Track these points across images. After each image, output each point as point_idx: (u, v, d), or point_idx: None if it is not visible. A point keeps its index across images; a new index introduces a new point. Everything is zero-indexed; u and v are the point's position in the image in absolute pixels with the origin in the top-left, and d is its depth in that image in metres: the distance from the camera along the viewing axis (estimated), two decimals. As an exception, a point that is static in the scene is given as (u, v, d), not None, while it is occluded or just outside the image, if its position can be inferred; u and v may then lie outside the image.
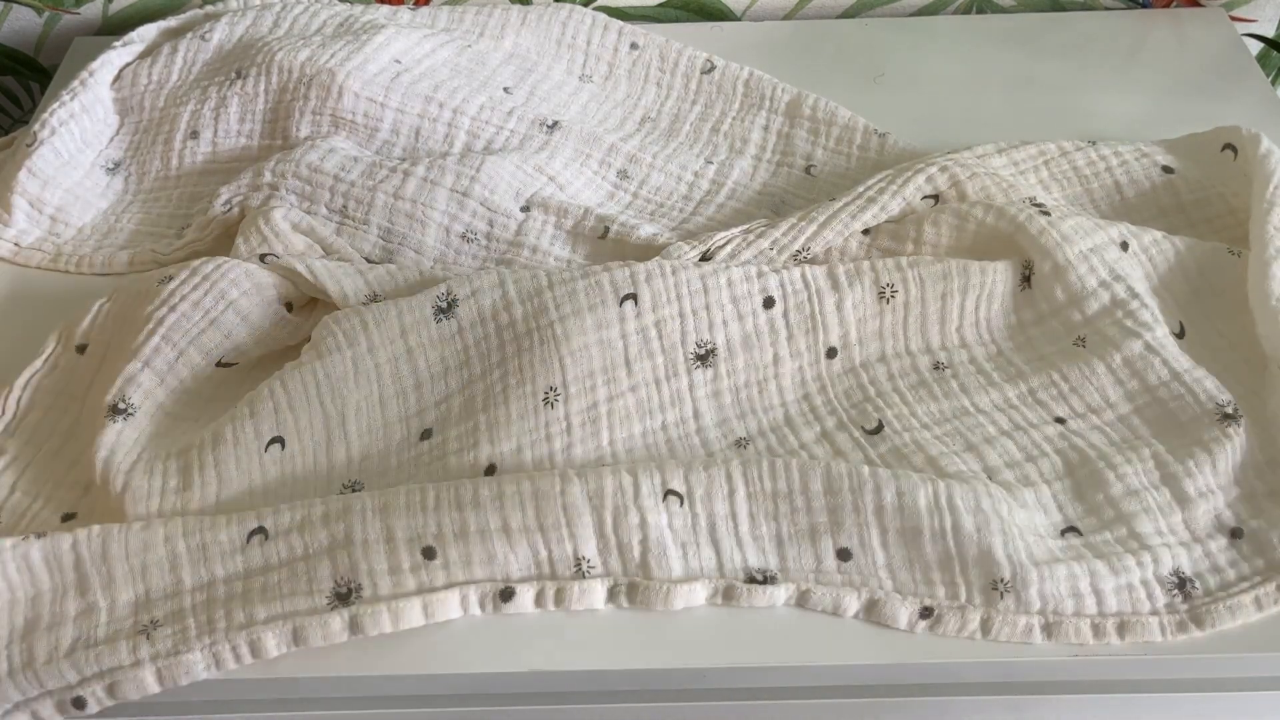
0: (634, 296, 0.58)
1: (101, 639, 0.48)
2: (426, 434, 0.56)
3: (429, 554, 0.50)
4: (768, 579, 0.50)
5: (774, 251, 0.61)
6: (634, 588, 0.50)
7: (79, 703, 0.48)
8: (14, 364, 0.61)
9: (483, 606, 0.50)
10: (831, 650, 0.49)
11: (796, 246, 0.61)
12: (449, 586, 0.50)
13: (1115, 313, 0.58)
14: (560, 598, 0.50)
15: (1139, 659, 0.49)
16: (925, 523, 0.50)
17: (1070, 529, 0.52)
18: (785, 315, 0.59)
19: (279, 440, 0.55)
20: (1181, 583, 0.50)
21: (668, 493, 0.52)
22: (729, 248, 0.61)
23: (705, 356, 0.58)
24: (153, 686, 0.48)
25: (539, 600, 0.50)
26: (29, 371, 0.59)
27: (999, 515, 0.51)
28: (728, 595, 0.50)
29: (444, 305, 0.58)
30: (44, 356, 0.59)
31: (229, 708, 0.52)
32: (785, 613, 0.51)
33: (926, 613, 0.49)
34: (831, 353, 0.59)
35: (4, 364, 0.61)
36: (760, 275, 0.59)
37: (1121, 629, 0.49)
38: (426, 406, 0.57)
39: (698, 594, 0.50)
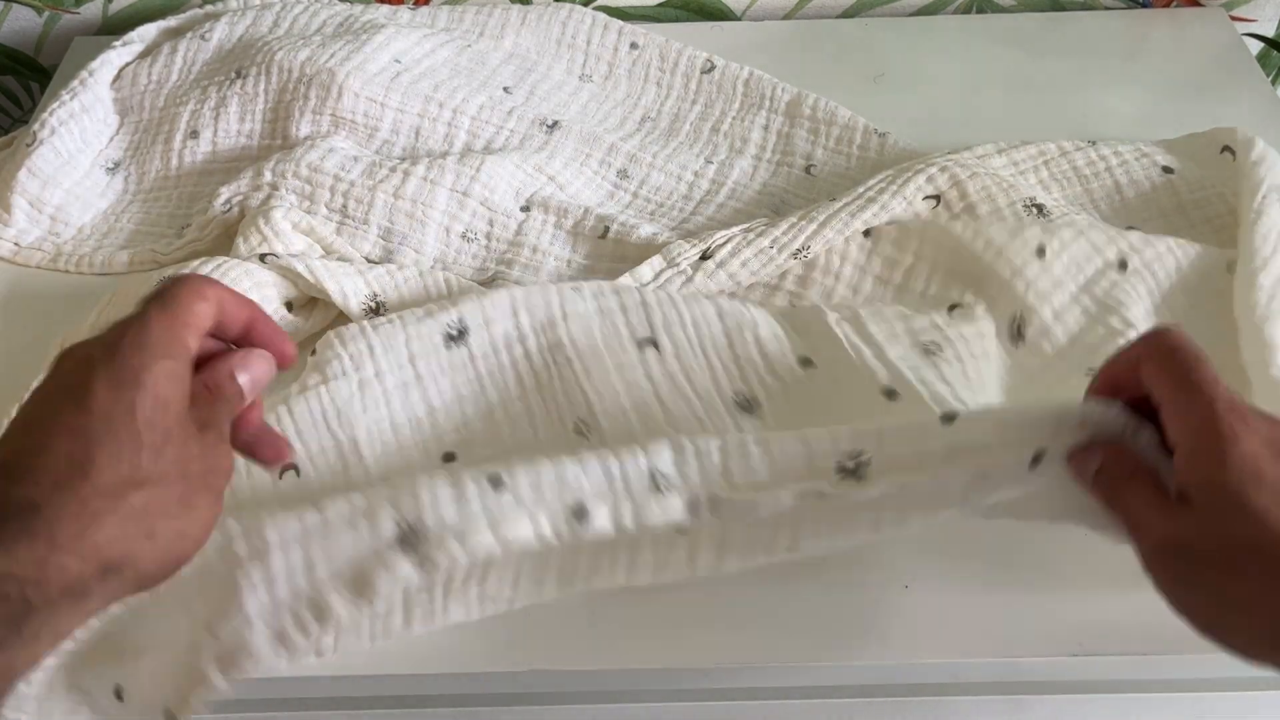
0: (654, 343, 0.56)
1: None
2: (449, 456, 0.55)
3: (495, 482, 0.45)
4: (859, 467, 0.45)
5: (774, 250, 0.61)
6: (715, 500, 0.45)
7: (119, 693, 0.46)
8: (14, 364, 0.61)
9: (556, 532, 0.44)
10: (831, 650, 0.49)
11: (796, 245, 0.61)
12: (518, 508, 0.45)
13: (1112, 343, 0.56)
14: (638, 515, 0.45)
15: (1139, 659, 0.49)
16: None
17: None
18: (827, 368, 0.56)
19: (294, 468, 0.53)
20: None
21: (738, 404, 0.50)
22: (729, 246, 0.61)
23: (748, 405, 0.55)
24: (219, 684, 0.44)
25: (616, 519, 0.45)
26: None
27: None
28: (820, 497, 0.45)
29: (454, 333, 0.56)
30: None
31: (227, 708, 0.52)
32: (785, 613, 0.51)
33: (1037, 459, 0.43)
34: (891, 394, 0.54)
35: (4, 363, 0.61)
36: (788, 335, 0.56)
37: None
38: (443, 432, 0.55)
39: (783, 500, 0.44)
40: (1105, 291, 0.58)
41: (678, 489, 0.45)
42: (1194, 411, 0.38)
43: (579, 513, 0.45)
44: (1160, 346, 0.41)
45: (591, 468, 0.46)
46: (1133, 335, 0.56)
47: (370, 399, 0.55)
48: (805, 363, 0.56)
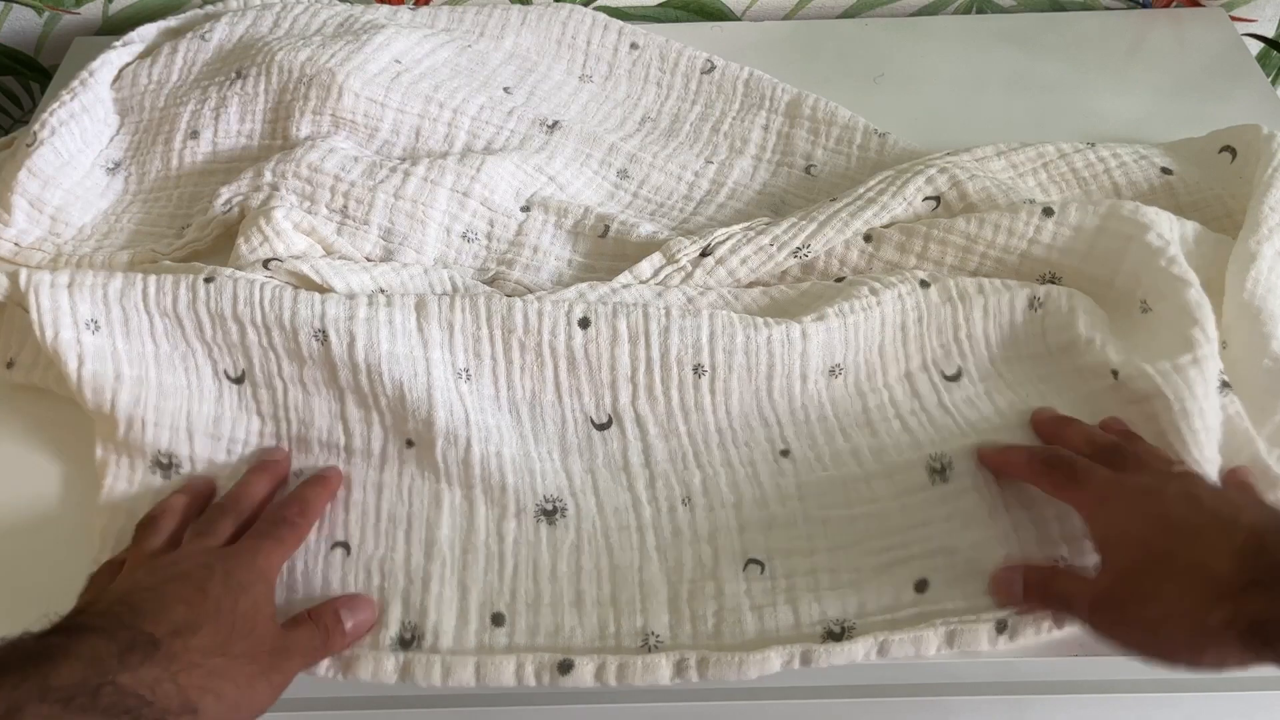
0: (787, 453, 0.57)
1: None
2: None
3: (498, 620, 0.50)
4: (845, 631, 0.49)
5: (774, 248, 0.61)
6: (704, 661, 0.48)
7: None
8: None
9: (539, 678, 0.49)
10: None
11: (797, 244, 0.61)
12: (509, 652, 0.49)
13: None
14: (622, 673, 0.49)
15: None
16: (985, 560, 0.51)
17: None
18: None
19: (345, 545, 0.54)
20: None
21: (748, 562, 0.52)
22: (729, 243, 0.61)
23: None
24: None
25: (599, 675, 0.49)
26: None
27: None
28: (805, 659, 0.48)
29: (549, 509, 0.55)
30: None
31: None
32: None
33: (1002, 626, 0.48)
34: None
35: (3, 363, 0.62)
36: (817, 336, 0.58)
37: None
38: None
39: (773, 662, 0.48)
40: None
41: (666, 650, 0.49)
42: (1083, 497, 0.49)
43: (565, 666, 0.49)
44: (1025, 458, 0.51)
45: (589, 622, 0.50)
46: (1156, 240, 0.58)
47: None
48: (834, 371, 0.59)
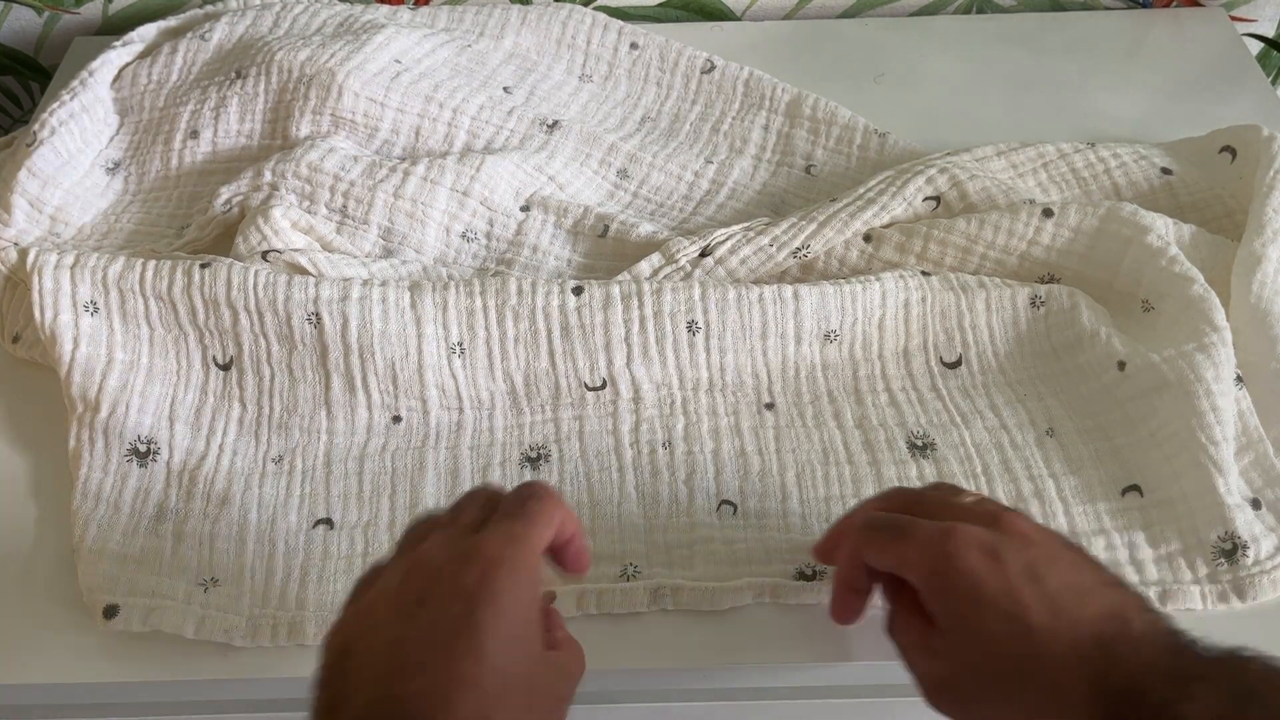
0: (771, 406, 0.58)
1: (164, 573, 0.51)
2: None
3: None
4: (816, 574, 0.51)
5: (774, 248, 0.61)
6: (679, 590, 0.51)
7: (110, 611, 0.50)
8: (14, 364, 0.61)
9: None
10: (832, 650, 0.49)
11: (796, 244, 0.61)
12: None
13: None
14: (601, 601, 0.51)
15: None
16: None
17: (1132, 487, 0.53)
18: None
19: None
20: (1232, 549, 0.50)
21: (722, 503, 0.54)
22: (729, 244, 0.61)
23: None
24: (189, 631, 0.50)
25: (580, 603, 0.51)
26: None
27: (1040, 498, 0.53)
28: (775, 593, 0.51)
29: (533, 456, 0.57)
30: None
31: (228, 707, 0.52)
32: (785, 613, 0.50)
33: None
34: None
35: (4, 364, 0.62)
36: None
37: (1163, 598, 0.50)
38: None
39: (744, 594, 0.50)
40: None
41: (644, 579, 0.51)
42: (913, 552, 0.42)
43: (546, 598, 0.48)
44: (853, 529, 0.45)
45: None
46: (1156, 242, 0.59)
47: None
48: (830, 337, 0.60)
